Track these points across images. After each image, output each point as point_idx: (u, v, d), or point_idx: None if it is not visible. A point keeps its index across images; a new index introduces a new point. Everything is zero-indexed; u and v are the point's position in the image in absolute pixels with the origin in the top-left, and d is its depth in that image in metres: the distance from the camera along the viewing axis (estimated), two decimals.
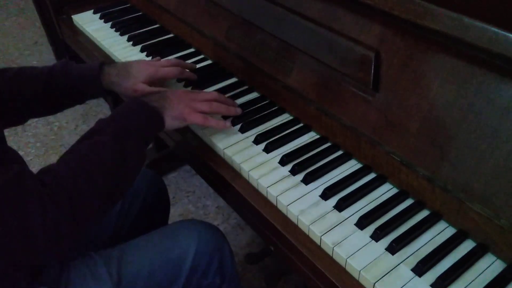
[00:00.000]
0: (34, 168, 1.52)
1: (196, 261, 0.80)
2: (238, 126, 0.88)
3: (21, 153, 1.85)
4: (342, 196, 0.72)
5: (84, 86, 0.89)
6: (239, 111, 0.88)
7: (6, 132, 0.75)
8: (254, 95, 0.97)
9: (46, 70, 0.88)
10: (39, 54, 2.53)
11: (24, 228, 0.57)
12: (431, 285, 0.61)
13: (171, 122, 0.79)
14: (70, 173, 0.64)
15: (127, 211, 0.95)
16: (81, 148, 0.68)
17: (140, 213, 0.98)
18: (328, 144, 0.83)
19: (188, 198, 1.66)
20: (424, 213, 0.70)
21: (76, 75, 0.89)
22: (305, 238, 0.69)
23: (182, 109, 0.80)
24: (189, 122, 0.81)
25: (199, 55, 1.11)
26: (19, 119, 0.91)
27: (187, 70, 0.99)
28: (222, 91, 0.97)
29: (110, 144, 0.69)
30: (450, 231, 0.68)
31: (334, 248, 0.65)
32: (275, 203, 0.74)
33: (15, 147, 1.88)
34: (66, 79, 0.88)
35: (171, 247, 0.80)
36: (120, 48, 1.16)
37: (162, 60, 0.99)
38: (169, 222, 1.10)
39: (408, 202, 0.72)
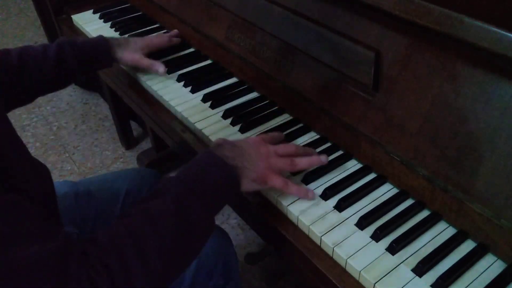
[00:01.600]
0: None
1: (201, 263, 0.80)
2: (238, 127, 0.88)
3: None
4: (342, 196, 0.72)
5: (96, 58, 0.95)
6: (324, 159, 0.74)
7: None
8: (254, 95, 0.97)
9: (54, 46, 0.90)
10: None
11: None
12: (431, 286, 0.61)
13: (248, 185, 0.67)
14: (117, 248, 0.52)
15: None
16: (135, 215, 0.56)
17: None
18: (328, 144, 0.83)
19: None
20: (424, 213, 0.70)
21: (86, 48, 0.93)
22: (305, 238, 0.69)
23: (262, 170, 0.68)
24: (270, 185, 0.69)
25: (199, 55, 1.11)
26: (28, 98, 0.90)
27: (174, 38, 1.12)
28: (222, 90, 0.97)
29: (171, 214, 0.56)
30: (450, 231, 0.68)
31: (334, 248, 0.65)
32: (275, 204, 0.74)
33: None
34: (76, 52, 0.91)
35: None
36: None
37: (153, 34, 1.12)
38: None
39: (408, 202, 0.72)
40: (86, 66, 0.94)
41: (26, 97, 0.90)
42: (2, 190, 0.49)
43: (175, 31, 1.16)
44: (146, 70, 1.04)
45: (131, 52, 0.99)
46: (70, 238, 0.51)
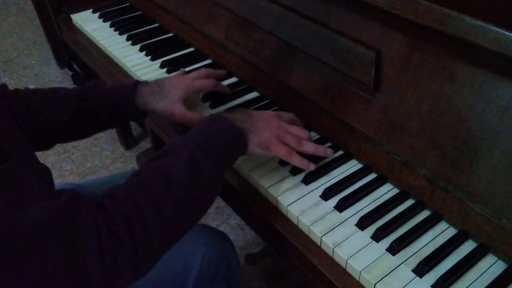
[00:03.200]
0: None
1: (203, 269, 0.79)
2: None
3: None
4: (342, 196, 0.72)
5: (117, 107, 0.81)
6: (329, 152, 0.77)
7: None
8: (254, 94, 0.97)
9: (77, 90, 0.81)
10: (38, 54, 2.53)
11: (77, 263, 0.48)
12: (432, 286, 0.60)
13: (254, 148, 0.69)
14: (132, 197, 0.54)
15: None
16: (148, 170, 0.59)
17: None
18: (328, 144, 0.83)
19: None
20: (424, 214, 0.70)
21: (108, 94, 0.81)
22: (305, 238, 0.69)
23: (268, 137, 0.70)
24: (273, 154, 0.71)
25: (199, 54, 1.11)
26: (47, 144, 0.83)
27: (221, 83, 0.93)
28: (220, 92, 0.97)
29: (183, 168, 0.59)
30: (451, 232, 0.67)
31: (334, 248, 0.65)
32: (275, 204, 0.74)
33: None
34: (98, 98, 0.80)
35: (178, 256, 0.77)
36: (119, 47, 1.15)
37: (192, 73, 0.90)
38: None
39: (409, 202, 0.72)
40: (106, 116, 0.82)
41: (43, 142, 0.82)
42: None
43: (222, 72, 0.96)
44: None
45: (167, 106, 0.82)
46: (78, 193, 0.52)
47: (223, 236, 0.87)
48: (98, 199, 0.55)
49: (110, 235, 0.50)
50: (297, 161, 0.72)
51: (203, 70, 0.91)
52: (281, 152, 0.71)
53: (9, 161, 0.50)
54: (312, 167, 0.74)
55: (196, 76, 0.89)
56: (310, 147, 0.74)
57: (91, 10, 1.33)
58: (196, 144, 0.62)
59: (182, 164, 0.59)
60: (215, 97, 0.94)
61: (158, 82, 0.84)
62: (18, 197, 0.47)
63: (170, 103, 0.82)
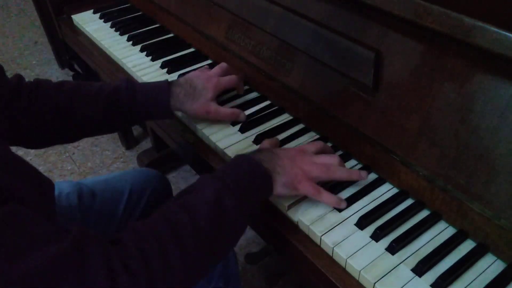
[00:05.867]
0: None
1: None
2: (238, 126, 0.88)
3: (20, 153, 1.85)
4: (342, 196, 0.72)
5: (152, 108, 0.83)
6: (364, 175, 0.72)
7: None
8: (254, 95, 0.97)
9: (108, 88, 0.81)
10: (39, 54, 2.53)
11: None
12: (431, 285, 0.61)
13: (280, 189, 0.67)
14: (155, 233, 0.52)
15: (131, 211, 0.95)
16: (173, 206, 0.58)
17: (145, 213, 0.97)
18: (328, 145, 0.83)
19: None
20: (424, 213, 0.70)
21: (142, 95, 0.82)
22: (305, 238, 0.69)
23: (295, 175, 0.68)
24: (301, 192, 0.69)
25: (199, 54, 1.11)
26: (73, 137, 0.84)
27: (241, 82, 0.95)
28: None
29: (209, 206, 0.58)
30: (450, 231, 0.68)
31: (334, 248, 0.65)
32: (275, 203, 0.74)
33: (15, 147, 1.88)
34: (131, 99, 0.81)
35: None
36: (119, 47, 1.16)
37: (216, 68, 0.91)
38: None
39: (408, 202, 0.72)
40: (139, 116, 0.84)
41: (70, 136, 0.84)
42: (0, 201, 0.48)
43: (236, 77, 0.93)
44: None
45: (202, 106, 0.84)
46: (86, 233, 0.50)
47: None
48: (114, 234, 0.53)
49: (125, 273, 0.48)
50: (327, 199, 0.69)
51: (225, 65, 0.93)
52: (308, 190, 0.68)
53: (9, 203, 0.48)
54: (343, 205, 0.70)
55: (220, 71, 0.91)
56: (343, 173, 0.71)
57: (92, 10, 1.33)
58: (223, 183, 0.61)
59: (208, 203, 0.58)
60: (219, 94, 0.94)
61: (189, 82, 0.85)
62: (19, 243, 0.45)
63: (204, 103, 0.84)
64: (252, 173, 0.65)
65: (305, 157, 0.70)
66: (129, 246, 0.50)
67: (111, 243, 0.51)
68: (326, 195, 0.69)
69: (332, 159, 0.72)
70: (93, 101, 0.80)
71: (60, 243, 0.46)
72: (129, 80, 0.84)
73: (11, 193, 0.51)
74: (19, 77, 0.78)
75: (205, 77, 0.86)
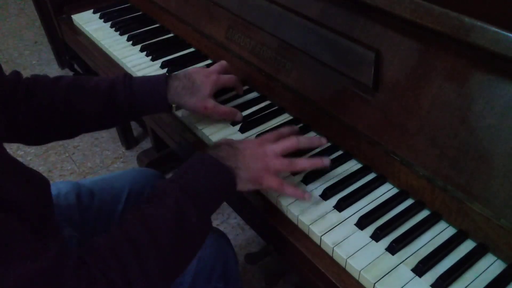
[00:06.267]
0: (34, 167, 1.52)
1: (199, 267, 0.79)
2: (238, 126, 0.88)
3: (20, 153, 1.85)
4: (342, 196, 0.72)
5: (149, 101, 0.82)
6: (326, 162, 0.72)
7: None
8: (254, 95, 0.97)
9: (105, 82, 0.81)
10: (39, 54, 2.53)
11: None
12: (431, 285, 0.61)
13: (243, 185, 0.67)
14: (115, 253, 0.53)
15: None
16: (132, 221, 0.57)
17: None
18: (328, 144, 0.83)
19: None
20: (424, 213, 0.70)
21: (140, 88, 0.81)
22: (305, 238, 0.69)
23: (258, 171, 0.68)
24: (265, 186, 0.70)
25: (199, 54, 1.11)
26: (71, 132, 0.84)
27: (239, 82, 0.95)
28: (222, 90, 0.97)
29: (169, 220, 0.57)
30: (450, 231, 0.68)
31: (334, 248, 0.65)
32: (275, 203, 0.74)
33: (15, 147, 1.88)
34: (129, 92, 0.81)
35: None
36: (119, 47, 1.16)
37: (215, 66, 0.92)
38: None
39: (408, 202, 0.72)
40: (136, 109, 0.83)
41: (69, 132, 0.83)
42: None
43: (235, 76, 0.93)
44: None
45: (199, 101, 0.84)
46: (65, 247, 0.51)
47: (219, 234, 0.87)
48: (82, 249, 0.53)
49: None
50: (290, 192, 0.70)
51: (224, 63, 0.93)
52: (272, 184, 0.69)
53: None
54: (307, 196, 0.70)
55: (220, 69, 0.91)
56: (304, 164, 0.72)
57: (91, 10, 1.33)
58: (182, 191, 0.60)
59: (167, 214, 0.57)
60: (214, 97, 0.94)
61: (188, 76, 0.85)
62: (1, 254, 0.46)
63: (202, 99, 0.84)
64: (214, 174, 0.64)
65: (266, 149, 0.70)
66: (92, 268, 0.51)
67: (81, 263, 0.51)
68: (290, 189, 0.69)
69: (291, 143, 0.71)
70: (91, 95, 0.80)
71: (37, 262, 0.47)
72: (126, 73, 0.84)
73: (4, 195, 0.51)
74: (16, 73, 0.78)
75: (205, 73, 0.87)
